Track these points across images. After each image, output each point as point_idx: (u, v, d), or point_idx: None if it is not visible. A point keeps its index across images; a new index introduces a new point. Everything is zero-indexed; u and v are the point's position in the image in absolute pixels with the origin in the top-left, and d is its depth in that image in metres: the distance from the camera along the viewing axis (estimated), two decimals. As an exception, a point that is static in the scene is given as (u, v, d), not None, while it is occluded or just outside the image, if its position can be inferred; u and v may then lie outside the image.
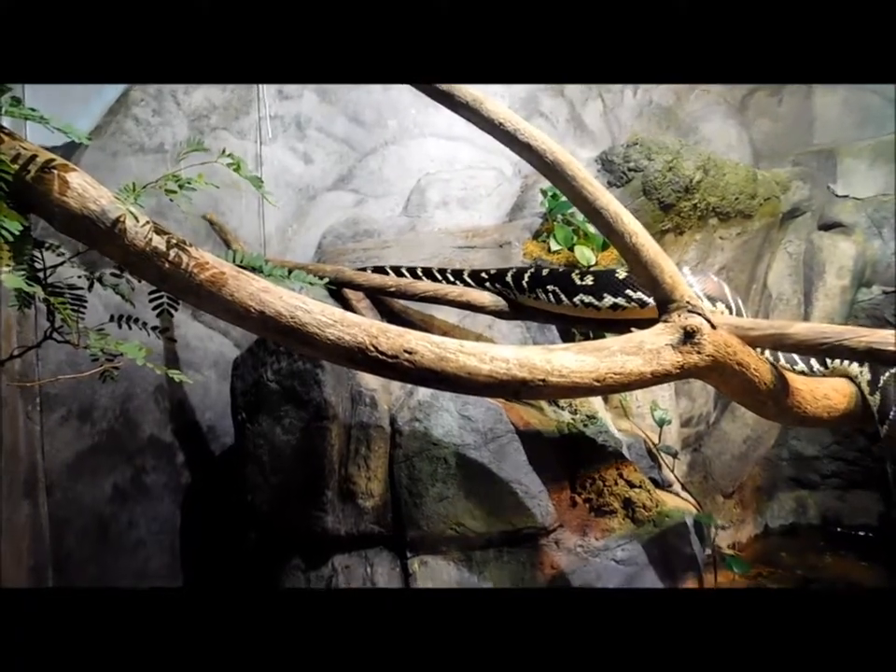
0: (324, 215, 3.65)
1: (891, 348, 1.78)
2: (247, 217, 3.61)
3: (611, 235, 1.93)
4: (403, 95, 3.77)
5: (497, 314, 2.57)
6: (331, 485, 2.54)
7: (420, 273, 2.79)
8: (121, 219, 1.47)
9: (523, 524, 2.45)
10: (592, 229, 3.08)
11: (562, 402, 2.65)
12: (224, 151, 1.81)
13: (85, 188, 1.49)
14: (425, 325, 2.83)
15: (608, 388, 1.77)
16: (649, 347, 1.81)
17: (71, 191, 1.46)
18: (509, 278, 2.58)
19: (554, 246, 3.03)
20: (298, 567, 2.67)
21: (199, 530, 3.36)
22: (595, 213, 1.93)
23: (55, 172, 1.46)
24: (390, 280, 2.64)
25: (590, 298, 2.31)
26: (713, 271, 2.40)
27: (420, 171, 3.71)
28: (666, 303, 1.90)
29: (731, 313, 2.25)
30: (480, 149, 3.76)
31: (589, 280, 2.34)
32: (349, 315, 1.65)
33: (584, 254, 2.85)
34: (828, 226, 4.14)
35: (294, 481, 2.63)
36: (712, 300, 2.22)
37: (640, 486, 2.49)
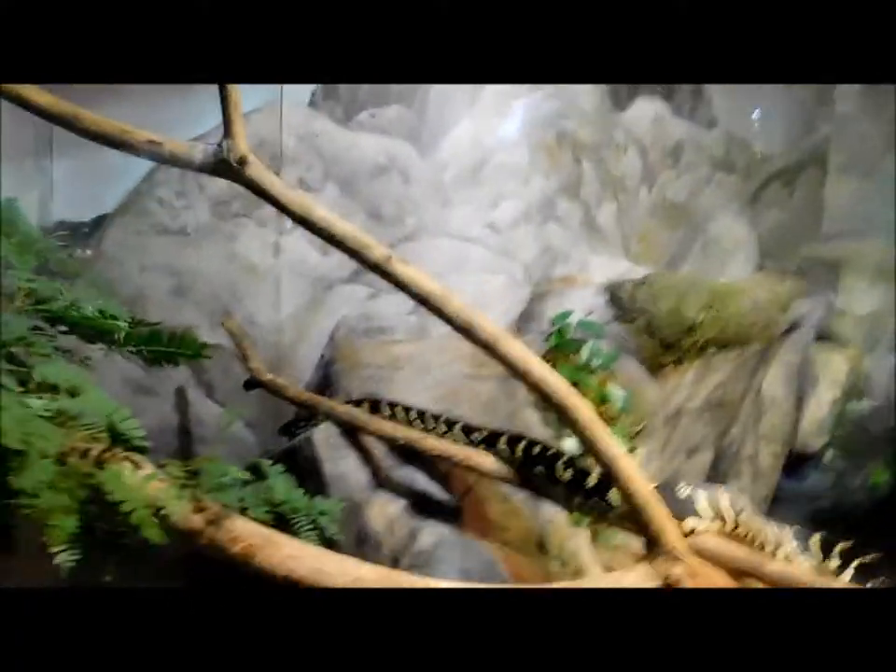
0: (338, 306, 3.78)
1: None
2: (263, 304, 3.73)
3: (610, 476, 2.08)
4: (424, 191, 3.84)
5: (501, 479, 2.73)
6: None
7: (415, 416, 2.91)
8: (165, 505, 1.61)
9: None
10: (595, 362, 3.23)
11: (552, 554, 2.85)
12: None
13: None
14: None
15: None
16: (631, 595, 1.98)
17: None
18: (502, 444, 2.69)
19: (557, 383, 3.17)
20: None
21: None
22: (595, 453, 2.07)
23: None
24: (401, 432, 2.79)
25: (565, 492, 2.47)
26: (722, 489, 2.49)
27: (433, 271, 3.80)
28: (653, 546, 2.07)
29: (748, 534, 2.34)
30: (493, 251, 3.86)
31: (568, 474, 2.47)
32: (365, 572, 1.82)
33: (585, 407, 3.00)
34: (825, 338, 4.28)
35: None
36: (718, 512, 2.32)
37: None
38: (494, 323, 2.12)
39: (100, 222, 3.67)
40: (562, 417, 2.11)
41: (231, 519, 1.69)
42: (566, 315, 3.42)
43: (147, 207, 3.66)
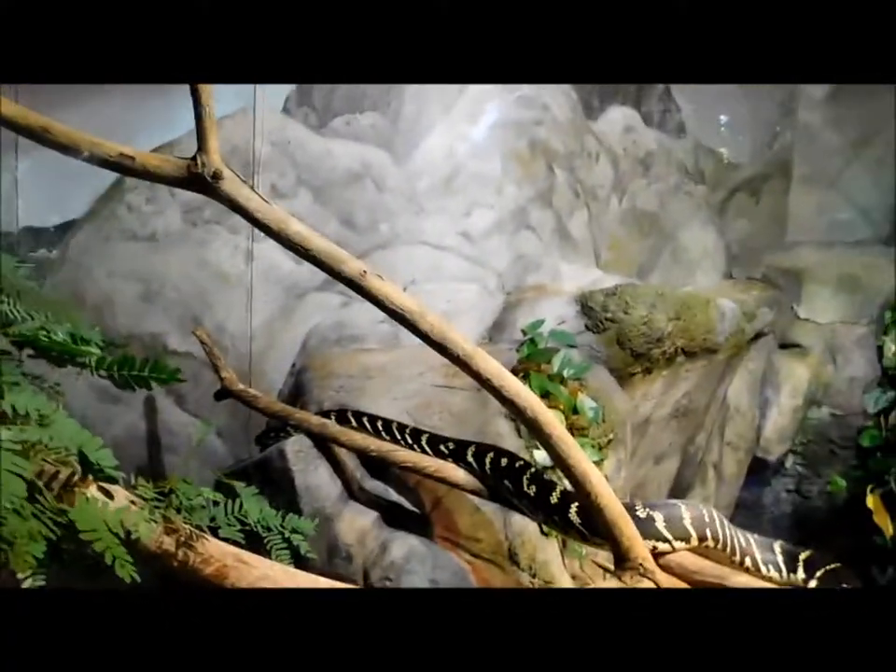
0: (310, 314, 3.75)
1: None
2: (234, 311, 3.68)
3: (579, 490, 2.12)
4: (397, 200, 3.84)
5: (472, 492, 2.75)
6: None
7: (381, 426, 2.92)
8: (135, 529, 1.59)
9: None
10: (566, 373, 3.26)
11: (522, 565, 2.87)
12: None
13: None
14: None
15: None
16: (600, 608, 2.02)
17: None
18: (469, 457, 2.71)
19: (529, 393, 3.20)
20: None
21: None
22: (566, 468, 2.11)
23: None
24: (372, 444, 2.79)
25: (530, 506, 2.50)
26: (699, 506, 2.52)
27: (407, 279, 3.81)
28: (622, 561, 2.11)
29: (716, 545, 2.36)
30: (466, 260, 3.87)
31: (532, 490, 2.48)
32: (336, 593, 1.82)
33: (557, 418, 3.03)
34: (787, 346, 4.40)
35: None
36: (698, 529, 2.34)
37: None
38: (468, 339, 2.14)
39: (66, 228, 3.59)
40: (534, 433, 2.14)
41: (202, 540, 1.68)
42: (537, 324, 3.44)
43: (115, 212, 3.57)
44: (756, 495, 4.86)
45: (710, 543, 2.38)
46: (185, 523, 1.68)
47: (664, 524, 2.29)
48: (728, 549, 2.44)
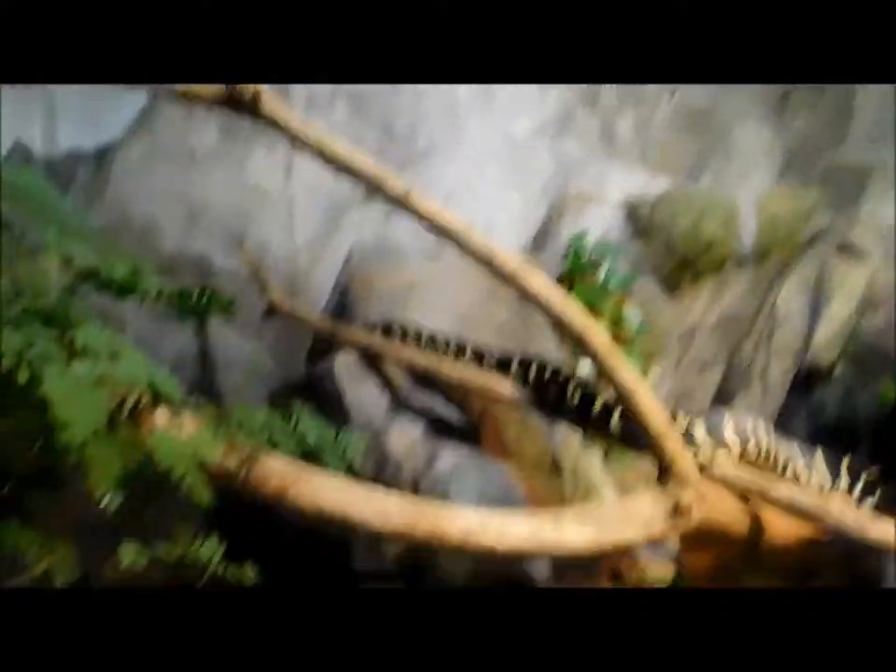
0: (353, 228, 3.74)
1: (857, 534, 2.06)
2: (276, 230, 3.70)
3: (625, 405, 2.13)
4: (434, 105, 3.71)
5: (517, 404, 2.79)
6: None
7: (426, 340, 2.96)
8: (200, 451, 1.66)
9: (523, 581, 2.84)
10: (611, 284, 3.23)
11: (565, 472, 2.95)
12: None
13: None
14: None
15: (602, 551, 2.08)
16: (644, 518, 2.07)
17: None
18: (513, 369, 2.75)
19: (573, 306, 3.18)
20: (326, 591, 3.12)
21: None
22: (613, 383, 2.11)
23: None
24: (420, 359, 2.84)
25: (574, 417, 2.56)
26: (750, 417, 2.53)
27: (448, 189, 3.74)
28: (665, 472, 2.14)
29: (760, 452, 2.40)
30: (508, 167, 3.76)
31: (577, 399, 2.53)
32: (390, 503, 1.91)
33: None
34: (845, 249, 4.20)
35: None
36: (745, 438, 2.38)
37: (626, 556, 2.86)
38: (514, 255, 2.12)
39: (105, 150, 3.59)
40: (582, 349, 2.14)
41: (263, 458, 1.76)
42: (582, 235, 3.38)
43: (153, 131, 3.56)
44: (802, 403, 4.81)
45: (754, 452, 2.40)
46: (244, 440, 1.76)
47: (705, 433, 2.31)
48: (771, 458, 2.47)
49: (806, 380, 4.70)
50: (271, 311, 3.24)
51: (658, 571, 2.95)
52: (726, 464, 2.35)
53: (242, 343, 3.78)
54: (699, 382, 4.27)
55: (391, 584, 2.97)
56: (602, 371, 2.12)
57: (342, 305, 3.47)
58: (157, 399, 1.34)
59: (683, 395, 4.26)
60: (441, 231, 2.04)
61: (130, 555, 1.30)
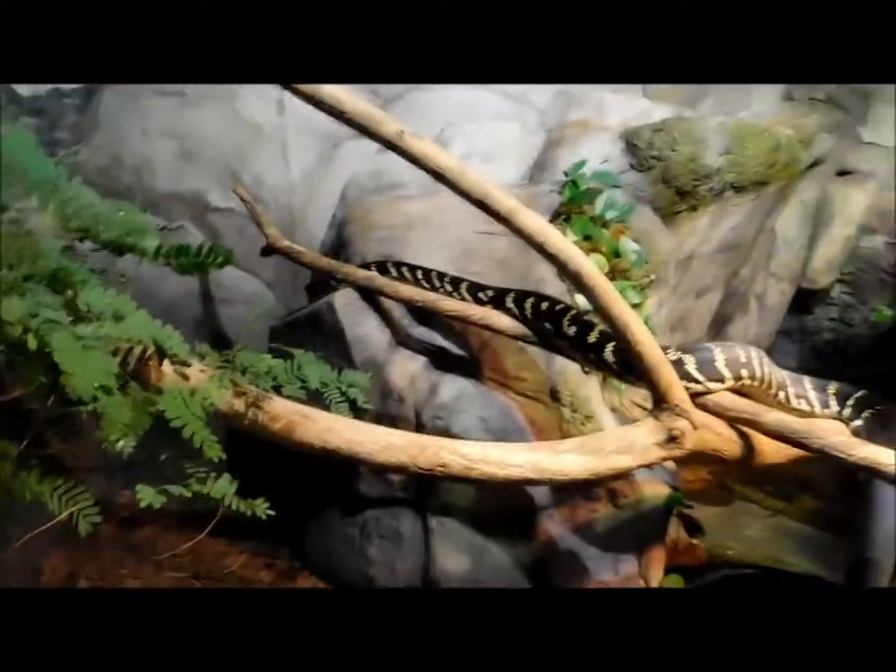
0: (349, 162, 3.69)
1: (843, 456, 2.15)
2: (272, 164, 3.65)
3: (621, 339, 2.19)
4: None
5: (517, 338, 2.84)
6: (365, 463, 3.03)
7: (421, 275, 2.99)
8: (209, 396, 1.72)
9: (524, 502, 2.98)
10: (609, 215, 3.22)
11: (564, 401, 3.04)
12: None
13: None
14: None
15: (600, 479, 2.19)
16: (639, 447, 2.18)
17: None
18: (509, 303, 2.79)
19: (571, 237, 3.18)
20: (336, 512, 3.28)
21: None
22: (609, 318, 2.17)
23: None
24: (418, 295, 2.87)
25: (570, 347, 2.61)
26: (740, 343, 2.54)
27: (444, 119, 3.67)
28: (660, 402, 2.22)
29: (753, 381, 2.43)
30: (505, 97, 3.68)
31: (572, 331, 2.57)
32: (395, 438, 2.00)
33: (598, 262, 3.04)
34: (846, 173, 4.16)
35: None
36: (736, 370, 2.40)
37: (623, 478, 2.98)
38: (509, 195, 2.12)
39: (93, 89, 3.50)
40: (577, 286, 2.18)
41: (269, 400, 1.84)
42: (580, 165, 3.34)
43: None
44: (798, 323, 4.88)
45: (747, 382, 2.47)
46: (250, 384, 1.83)
47: (695, 366, 2.37)
48: (764, 385, 2.54)
49: (804, 301, 4.76)
50: (268, 249, 3.26)
51: (654, 491, 3.09)
52: (718, 394, 2.42)
53: (242, 280, 3.81)
54: (696, 306, 4.31)
55: (397, 507, 3.12)
56: (598, 308, 2.17)
57: (340, 240, 3.47)
58: (162, 354, 1.39)
59: (680, 319, 4.31)
60: (435, 173, 2.04)
61: (147, 497, 1.38)
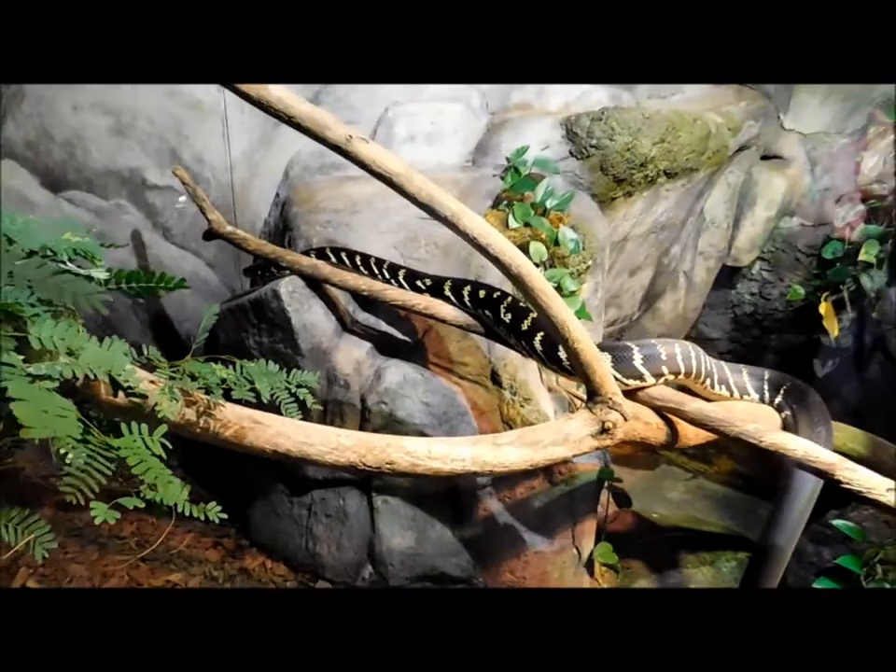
0: (291, 141, 3.63)
1: (755, 441, 2.36)
2: (212, 141, 3.56)
3: (558, 336, 2.30)
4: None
5: (459, 327, 2.93)
6: (312, 446, 3.10)
7: (358, 263, 3.04)
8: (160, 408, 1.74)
9: (465, 482, 3.13)
10: (549, 203, 3.31)
11: (504, 384, 3.17)
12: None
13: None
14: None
15: (538, 468, 2.33)
16: (573, 438, 2.32)
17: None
18: (447, 291, 2.87)
19: (513, 223, 3.27)
20: (283, 492, 3.35)
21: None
22: (547, 318, 2.27)
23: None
24: (363, 283, 2.91)
25: (507, 333, 2.72)
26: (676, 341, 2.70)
27: (388, 99, 3.64)
28: (594, 396, 2.37)
29: (689, 376, 2.63)
30: (448, 76, 3.67)
31: (508, 318, 2.69)
32: (343, 439, 2.06)
33: (538, 250, 3.14)
34: (769, 157, 4.37)
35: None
36: (673, 364, 2.57)
37: (558, 459, 3.16)
38: (454, 199, 2.17)
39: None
40: (518, 286, 2.27)
41: (219, 408, 1.87)
42: (521, 151, 3.40)
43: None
44: (722, 297, 5.17)
45: (683, 377, 2.66)
46: (199, 390, 1.86)
47: (641, 362, 2.52)
48: (701, 379, 2.73)
49: (727, 277, 5.04)
50: (211, 234, 3.21)
51: (586, 468, 3.29)
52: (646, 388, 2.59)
53: (182, 259, 3.75)
54: (630, 283, 4.51)
55: (343, 487, 3.21)
56: (537, 308, 2.27)
57: (284, 222, 3.45)
58: (117, 386, 1.40)
59: (614, 296, 4.50)
60: (382, 177, 2.07)
61: (101, 514, 1.41)
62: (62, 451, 1.47)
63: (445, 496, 3.18)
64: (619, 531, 3.83)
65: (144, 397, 1.45)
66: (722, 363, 2.88)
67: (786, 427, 2.77)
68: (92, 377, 1.22)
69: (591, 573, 3.51)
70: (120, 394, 1.45)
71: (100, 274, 1.38)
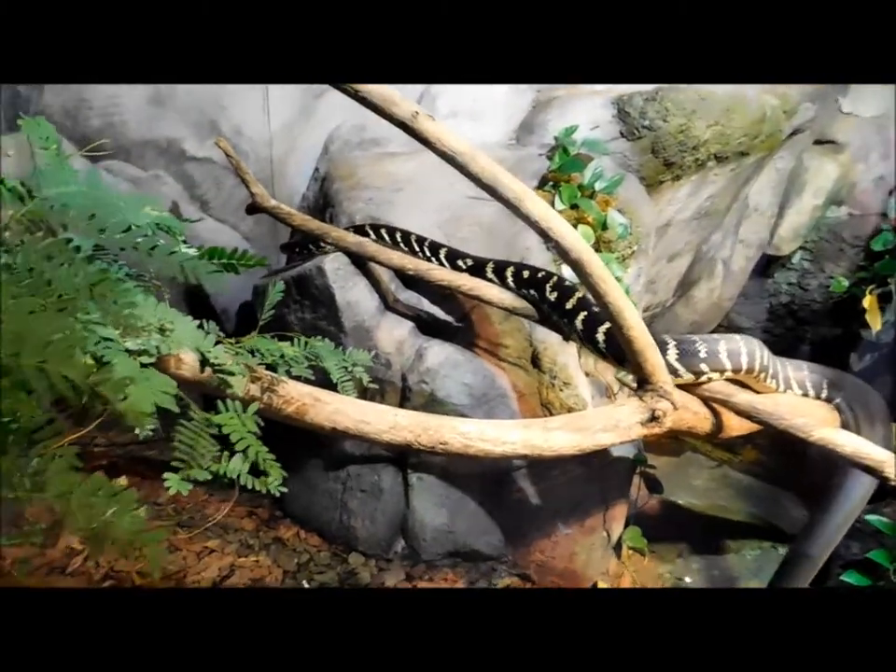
0: (330, 113, 3.59)
1: (804, 436, 2.33)
2: (251, 114, 3.52)
3: (614, 323, 2.27)
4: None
5: (505, 309, 2.90)
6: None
7: (399, 240, 3.01)
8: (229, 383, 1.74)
9: (500, 461, 3.12)
10: (598, 185, 3.25)
11: (544, 368, 3.15)
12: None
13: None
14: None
15: (585, 453, 2.32)
16: (623, 425, 2.31)
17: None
18: (489, 273, 2.84)
19: (559, 205, 3.22)
20: (319, 467, 3.36)
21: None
22: (604, 305, 2.24)
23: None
24: (408, 262, 2.88)
25: (551, 311, 2.71)
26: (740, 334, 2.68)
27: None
28: (644, 384, 2.34)
29: (742, 371, 2.59)
30: (495, 52, 3.59)
31: (554, 296, 2.66)
32: (399, 418, 2.06)
33: (586, 234, 3.09)
34: (822, 142, 4.25)
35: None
36: (732, 359, 2.55)
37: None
38: (517, 181, 2.13)
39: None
40: (576, 272, 2.23)
41: (282, 384, 1.86)
42: (571, 130, 3.33)
43: None
44: (758, 286, 5.09)
45: (745, 373, 2.62)
46: (260, 366, 1.86)
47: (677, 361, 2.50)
48: (763, 376, 2.69)
49: (764, 266, 4.96)
50: (254, 208, 3.18)
51: (621, 453, 3.27)
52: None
53: (219, 232, 3.74)
54: (667, 270, 4.44)
55: (378, 464, 3.22)
56: (594, 294, 2.24)
57: (325, 198, 3.41)
58: (204, 364, 1.40)
59: (651, 282, 4.44)
60: (447, 155, 2.03)
61: (174, 485, 1.42)
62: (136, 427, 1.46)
63: (479, 475, 3.18)
64: (648, 515, 3.83)
65: (231, 374, 1.45)
66: (785, 361, 2.84)
67: (845, 425, 2.74)
68: (184, 353, 1.21)
69: (618, 556, 3.52)
70: (186, 363, 1.44)
71: (189, 250, 1.37)
